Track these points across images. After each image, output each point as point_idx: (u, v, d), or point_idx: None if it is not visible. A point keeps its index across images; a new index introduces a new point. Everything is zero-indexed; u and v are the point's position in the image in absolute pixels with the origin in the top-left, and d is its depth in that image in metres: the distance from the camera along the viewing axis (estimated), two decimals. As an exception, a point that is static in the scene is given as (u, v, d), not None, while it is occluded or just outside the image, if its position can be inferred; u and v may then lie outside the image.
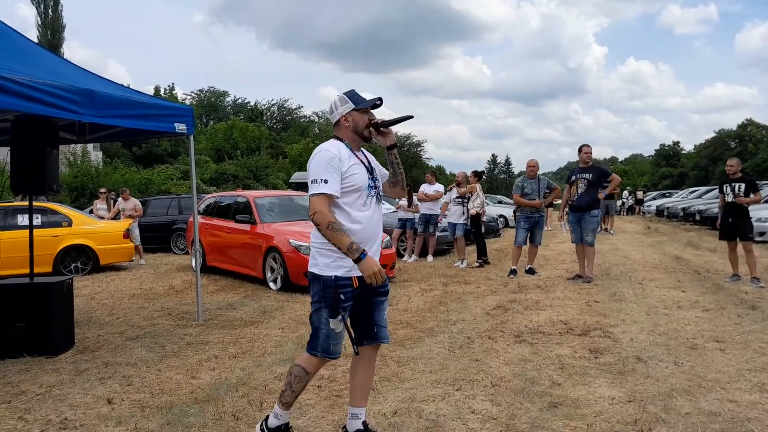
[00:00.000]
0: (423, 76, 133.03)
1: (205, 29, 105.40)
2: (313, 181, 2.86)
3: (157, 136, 7.41)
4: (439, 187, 12.24)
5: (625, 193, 38.86)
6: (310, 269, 3.01)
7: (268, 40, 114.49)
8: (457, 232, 11.13)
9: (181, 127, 6.22)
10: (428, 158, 72.38)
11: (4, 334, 5.04)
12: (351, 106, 3.04)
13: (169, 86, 57.99)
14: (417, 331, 5.86)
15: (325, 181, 2.84)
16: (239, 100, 65.99)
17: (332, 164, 2.88)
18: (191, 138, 6.47)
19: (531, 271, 9.61)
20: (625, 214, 35.31)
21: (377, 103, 3.06)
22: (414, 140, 70.52)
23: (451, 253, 12.87)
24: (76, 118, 5.20)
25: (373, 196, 3.05)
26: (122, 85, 6.36)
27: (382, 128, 3.09)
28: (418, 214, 12.05)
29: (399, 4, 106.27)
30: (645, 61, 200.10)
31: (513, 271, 9.48)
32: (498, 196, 30.73)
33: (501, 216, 20.34)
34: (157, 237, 14.90)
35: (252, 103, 66.11)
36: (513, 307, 6.96)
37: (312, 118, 65.84)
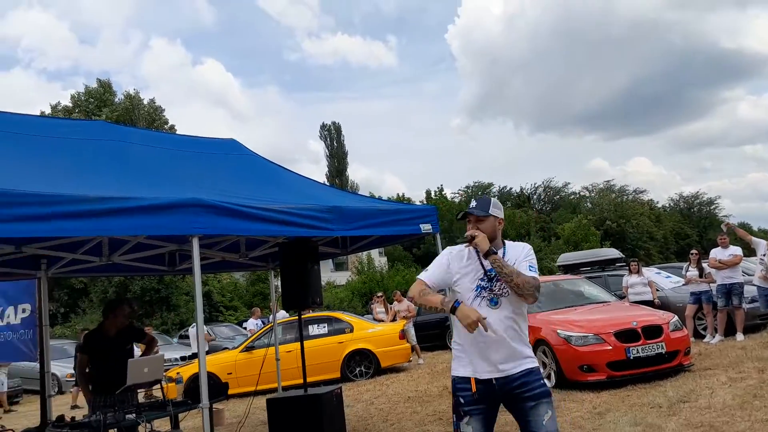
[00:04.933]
0: (702, 127, 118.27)
1: (464, 131, 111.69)
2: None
3: (406, 239, 7.69)
4: (736, 250, 10.28)
5: None
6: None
7: (526, 126, 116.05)
8: None
9: (426, 227, 6.32)
10: (726, 216, 63.38)
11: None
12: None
13: (438, 188, 61.80)
14: (725, 438, 4.67)
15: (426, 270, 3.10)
16: (504, 189, 67.04)
17: (440, 260, 3.11)
18: (437, 236, 6.50)
19: None
20: None
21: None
22: (704, 198, 62.78)
23: (768, 329, 10.53)
24: (328, 234, 5.60)
25: (482, 297, 2.93)
26: (367, 197, 6.76)
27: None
28: (715, 285, 10.21)
29: (657, 58, 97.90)
30: None
31: None
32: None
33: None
34: (433, 334, 15.20)
35: (517, 190, 66.63)
36: None
37: (582, 193, 63.35)
